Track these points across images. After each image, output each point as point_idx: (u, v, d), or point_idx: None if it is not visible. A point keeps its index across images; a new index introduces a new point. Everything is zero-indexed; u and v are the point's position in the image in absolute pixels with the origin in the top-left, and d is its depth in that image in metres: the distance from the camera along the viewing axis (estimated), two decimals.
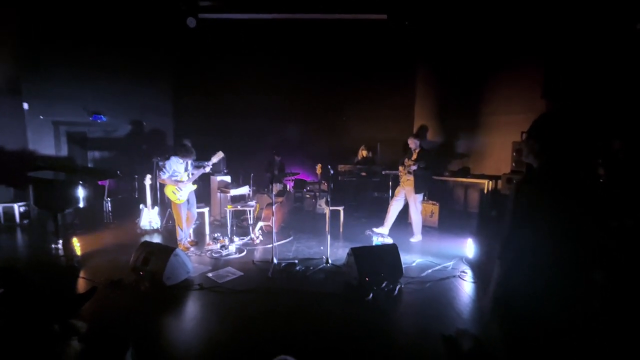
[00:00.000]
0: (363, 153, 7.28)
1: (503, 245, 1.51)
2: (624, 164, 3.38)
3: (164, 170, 4.53)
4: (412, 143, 5.19)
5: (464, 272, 3.99)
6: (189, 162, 4.72)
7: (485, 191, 5.99)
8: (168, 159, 4.63)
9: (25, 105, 6.61)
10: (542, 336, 1.56)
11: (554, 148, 1.50)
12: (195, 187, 4.83)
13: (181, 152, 4.63)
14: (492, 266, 1.64)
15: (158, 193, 6.16)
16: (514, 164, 5.47)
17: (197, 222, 5.37)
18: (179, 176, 4.60)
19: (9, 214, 5.97)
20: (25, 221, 6.10)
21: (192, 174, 4.70)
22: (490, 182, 5.96)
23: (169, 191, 4.59)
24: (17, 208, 6.01)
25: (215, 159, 4.79)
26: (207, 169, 4.76)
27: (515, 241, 1.48)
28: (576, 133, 1.55)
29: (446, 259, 4.37)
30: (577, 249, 1.49)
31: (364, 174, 7.00)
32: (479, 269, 4.01)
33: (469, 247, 4.30)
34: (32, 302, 1.75)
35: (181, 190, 4.60)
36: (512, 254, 1.52)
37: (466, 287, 3.65)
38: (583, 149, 1.60)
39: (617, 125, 3.93)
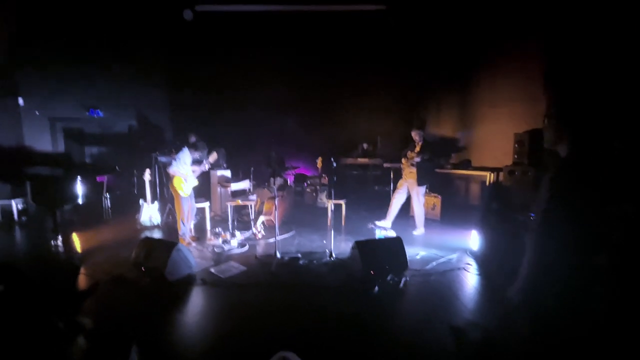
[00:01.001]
0: (363, 147, 7.25)
1: (537, 235, 1.45)
2: (622, 153, 3.36)
3: (177, 160, 4.48)
4: (416, 135, 5.15)
5: (468, 264, 3.97)
6: (197, 157, 4.72)
7: (487, 183, 5.96)
8: (180, 149, 4.58)
9: (21, 101, 6.51)
10: (555, 328, 1.54)
11: (589, 138, 1.45)
12: (197, 182, 4.79)
13: (197, 146, 4.68)
14: (497, 259, 1.60)
15: (157, 188, 6.10)
16: (515, 156, 5.44)
17: (198, 217, 5.32)
18: (184, 168, 4.57)
19: (6, 211, 5.89)
20: (24, 218, 6.01)
21: (194, 171, 4.67)
22: (492, 174, 5.93)
23: (177, 183, 4.54)
24: (15, 205, 5.92)
25: (211, 159, 4.77)
26: (207, 167, 4.74)
27: (548, 230, 1.43)
28: (605, 122, 1.51)
29: (450, 252, 4.35)
30: (588, 236, 1.47)
31: (364, 160, 6.91)
32: (483, 261, 3.99)
33: (473, 239, 4.28)
34: (33, 300, 1.71)
35: (187, 182, 4.57)
36: (544, 243, 1.47)
37: (471, 279, 3.63)
38: (603, 137, 1.56)
39: (620, 115, 3.88)
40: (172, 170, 4.49)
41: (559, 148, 1.55)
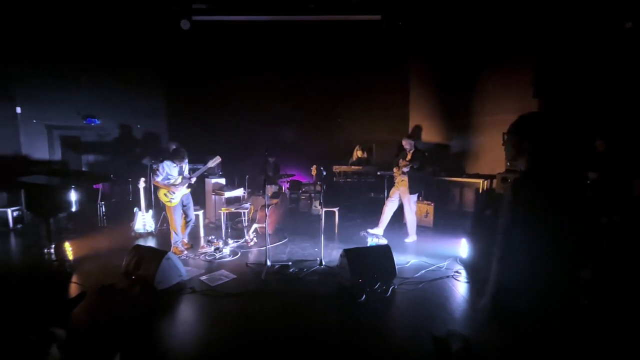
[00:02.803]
0: (358, 153, 7.29)
1: (501, 247, 1.47)
2: (609, 163, 3.40)
3: (158, 173, 4.51)
4: (407, 144, 5.20)
5: (457, 272, 3.98)
6: (184, 165, 4.71)
7: (480, 190, 6.00)
8: (161, 161, 4.62)
9: (19, 110, 6.59)
10: (536, 336, 1.55)
11: (548, 150, 1.48)
12: (188, 190, 4.81)
13: (173, 156, 4.61)
14: (488, 266, 1.60)
15: (152, 196, 6.13)
16: (508, 163, 5.48)
17: (193, 224, 5.34)
18: (172, 179, 4.58)
19: (2, 218, 5.93)
20: (19, 226, 6.06)
21: (185, 178, 4.67)
22: (485, 181, 5.97)
23: (161, 194, 4.58)
24: (11, 213, 5.97)
25: (212, 163, 4.79)
26: (193, 180, 4.73)
27: (511, 242, 1.45)
28: (567, 134, 1.54)
29: (440, 259, 4.36)
30: (569, 248, 1.48)
31: (356, 169, 6.96)
32: (473, 268, 4.01)
33: (463, 247, 4.29)
34: (11, 310, 1.73)
35: (174, 193, 4.58)
36: (509, 255, 1.49)
37: (460, 287, 3.64)
38: (573, 149, 1.60)
39: (605, 124, 3.94)
40: (154, 181, 4.55)
41: (518, 163, 1.59)
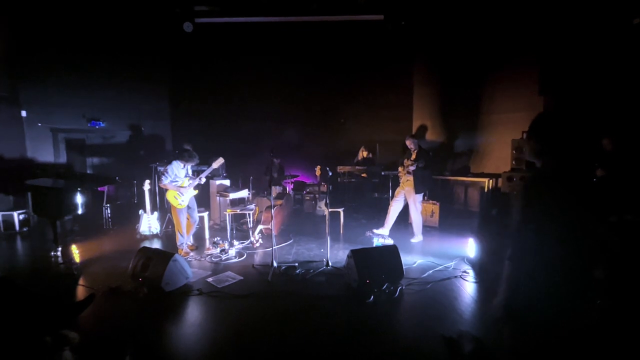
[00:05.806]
0: (363, 154, 7.27)
1: (514, 245, 1.46)
2: (618, 161, 3.36)
3: (165, 175, 4.50)
4: (411, 143, 5.18)
5: (465, 272, 3.96)
6: (189, 167, 4.72)
7: (486, 190, 5.97)
8: (169, 163, 4.61)
9: (24, 113, 6.62)
10: (547, 336, 1.53)
11: (555, 148, 1.48)
12: (196, 192, 4.81)
13: (184, 156, 4.60)
14: (496, 266, 1.59)
15: (157, 198, 6.14)
16: (513, 162, 5.45)
17: (198, 226, 5.35)
18: (179, 181, 4.58)
19: (8, 222, 5.95)
20: (25, 229, 6.08)
21: (193, 180, 4.68)
22: (491, 180, 5.94)
23: (170, 196, 4.57)
24: (17, 216, 5.99)
25: (215, 164, 4.80)
26: (203, 180, 4.74)
27: (524, 241, 1.44)
28: (576, 132, 1.53)
29: (447, 259, 4.34)
30: (580, 247, 1.47)
31: (364, 175, 6.98)
32: (481, 268, 3.98)
33: (470, 247, 4.26)
34: (25, 313, 1.73)
35: (183, 195, 4.58)
36: (522, 254, 1.47)
37: (468, 287, 3.62)
38: (582, 147, 1.58)
39: (612, 121, 3.90)
40: (162, 184, 4.54)
41: (535, 160, 1.58)
